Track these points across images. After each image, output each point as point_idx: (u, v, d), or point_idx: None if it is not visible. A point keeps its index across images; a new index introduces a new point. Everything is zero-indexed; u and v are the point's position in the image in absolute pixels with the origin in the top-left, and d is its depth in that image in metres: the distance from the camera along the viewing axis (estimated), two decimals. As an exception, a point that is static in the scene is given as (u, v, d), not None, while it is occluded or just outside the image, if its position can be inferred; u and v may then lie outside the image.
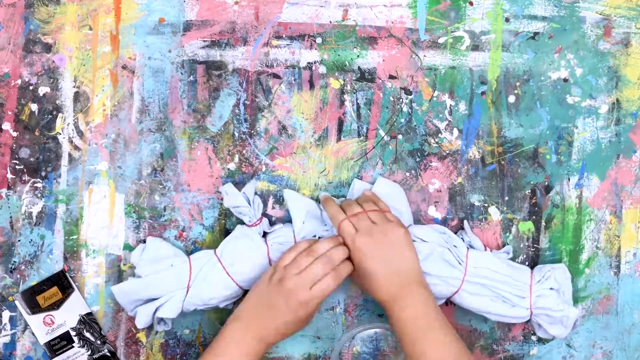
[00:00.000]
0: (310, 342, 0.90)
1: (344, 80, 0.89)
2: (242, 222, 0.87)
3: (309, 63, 0.89)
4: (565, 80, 0.90)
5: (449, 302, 0.90)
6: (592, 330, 0.91)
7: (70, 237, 0.89)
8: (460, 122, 0.90)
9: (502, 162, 0.90)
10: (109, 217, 0.89)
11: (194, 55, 0.88)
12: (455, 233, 0.89)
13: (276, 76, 0.89)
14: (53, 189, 0.88)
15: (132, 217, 0.89)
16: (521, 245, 0.90)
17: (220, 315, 0.89)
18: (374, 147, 0.89)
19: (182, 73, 0.89)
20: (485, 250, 0.88)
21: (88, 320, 0.88)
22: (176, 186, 0.89)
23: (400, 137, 0.89)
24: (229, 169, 0.89)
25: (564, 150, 0.90)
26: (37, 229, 0.88)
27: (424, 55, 0.89)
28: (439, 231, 0.87)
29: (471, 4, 0.89)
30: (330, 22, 0.89)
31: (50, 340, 0.87)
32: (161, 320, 0.86)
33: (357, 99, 0.89)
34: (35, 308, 0.87)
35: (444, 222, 0.90)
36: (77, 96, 0.88)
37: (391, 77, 0.89)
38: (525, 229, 0.90)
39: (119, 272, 0.89)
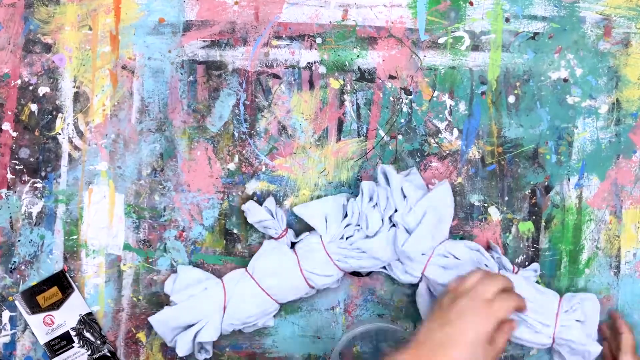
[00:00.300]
0: (311, 342, 0.90)
1: (343, 81, 0.89)
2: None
3: (308, 63, 0.89)
4: (565, 80, 0.90)
5: (448, 302, 0.90)
6: (592, 330, 0.91)
7: (70, 237, 0.89)
8: (460, 122, 0.90)
9: (502, 162, 0.90)
10: (109, 217, 0.89)
11: (194, 56, 0.88)
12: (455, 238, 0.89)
13: (276, 76, 0.89)
14: (53, 189, 0.88)
15: (132, 217, 0.89)
16: (521, 246, 0.90)
17: (220, 316, 0.89)
18: (373, 147, 0.89)
19: (182, 73, 0.89)
20: (514, 270, 0.87)
21: (88, 321, 0.88)
22: (176, 186, 0.89)
23: (400, 137, 0.89)
24: (228, 169, 0.89)
25: (564, 150, 0.90)
26: (37, 229, 0.88)
27: (424, 56, 0.89)
28: (473, 248, 0.86)
29: (471, 4, 0.89)
30: (330, 22, 0.89)
31: (50, 340, 0.87)
32: (202, 348, 0.86)
33: (357, 99, 0.89)
34: (35, 308, 0.87)
35: (443, 222, 0.90)
36: (76, 96, 0.88)
37: (391, 77, 0.89)
38: (525, 229, 0.90)
39: (118, 272, 0.89)
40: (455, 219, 0.90)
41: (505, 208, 0.90)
